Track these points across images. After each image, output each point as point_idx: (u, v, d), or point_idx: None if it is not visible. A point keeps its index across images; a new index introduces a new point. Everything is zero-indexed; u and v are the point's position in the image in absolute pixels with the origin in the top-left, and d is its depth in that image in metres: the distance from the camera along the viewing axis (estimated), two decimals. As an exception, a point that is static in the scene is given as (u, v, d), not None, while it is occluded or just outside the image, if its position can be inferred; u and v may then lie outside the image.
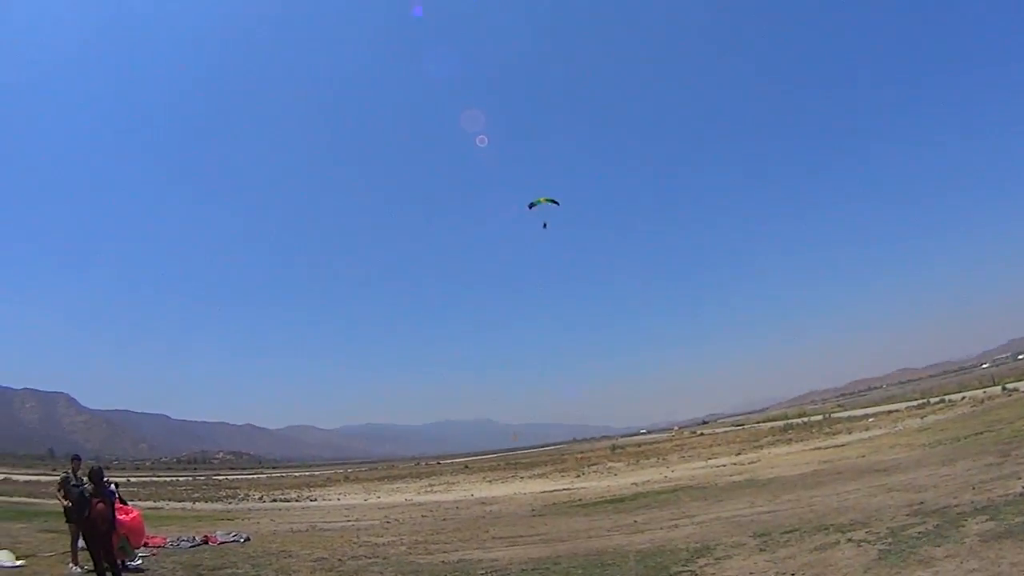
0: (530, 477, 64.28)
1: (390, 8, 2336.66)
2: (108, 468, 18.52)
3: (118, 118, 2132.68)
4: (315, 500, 56.42)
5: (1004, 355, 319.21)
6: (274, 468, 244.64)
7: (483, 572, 16.23)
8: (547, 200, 45.15)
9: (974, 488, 18.46)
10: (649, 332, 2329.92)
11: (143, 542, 20.07)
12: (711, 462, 53.14)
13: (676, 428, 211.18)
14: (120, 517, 15.37)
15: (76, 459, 17.42)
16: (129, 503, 18.66)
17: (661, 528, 21.04)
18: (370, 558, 19.94)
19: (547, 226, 47.08)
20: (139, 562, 17.49)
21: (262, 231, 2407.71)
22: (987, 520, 14.08)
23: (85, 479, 15.69)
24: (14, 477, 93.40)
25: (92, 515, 14.71)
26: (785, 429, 78.93)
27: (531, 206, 45.26)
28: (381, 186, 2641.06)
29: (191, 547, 23.18)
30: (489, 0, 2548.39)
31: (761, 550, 15.07)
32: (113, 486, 17.06)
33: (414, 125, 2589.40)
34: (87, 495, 15.06)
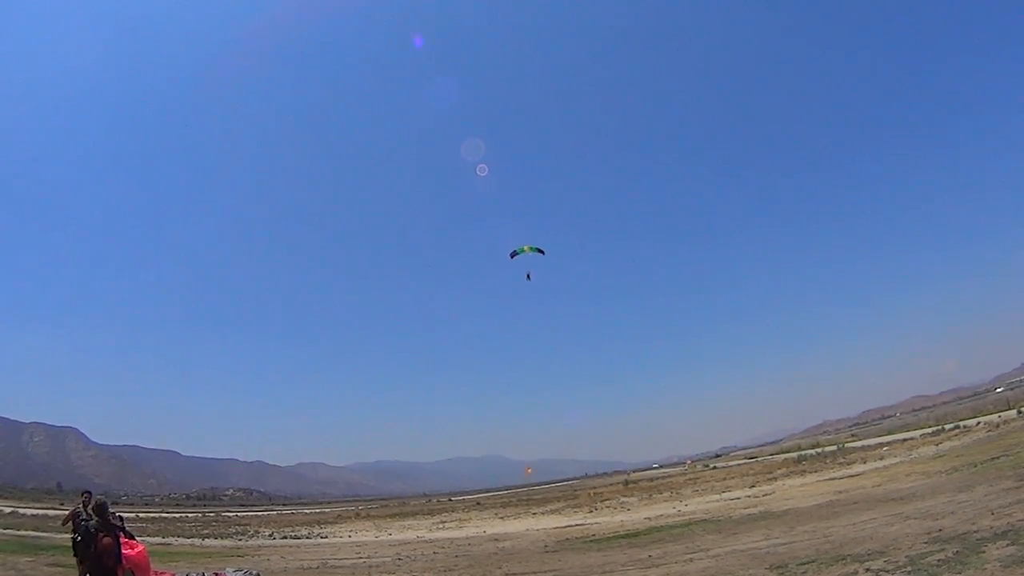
0: (543, 513, 63.81)
1: (391, 39, 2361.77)
2: (117, 504, 18.32)
3: (130, 152, 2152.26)
4: (326, 537, 55.99)
5: (1019, 378, 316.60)
6: (284, 505, 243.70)
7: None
8: (531, 249, 43.62)
9: (993, 513, 18.29)
10: (660, 366, 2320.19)
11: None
12: (725, 495, 52.70)
13: (689, 462, 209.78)
14: (125, 551, 15.26)
15: (87, 494, 17.37)
16: (136, 538, 18.54)
17: (676, 562, 20.84)
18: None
19: (531, 277, 45.75)
20: None
21: (270, 267, 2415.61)
22: (1007, 545, 13.94)
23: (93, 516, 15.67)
24: (21, 510, 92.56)
25: (98, 549, 14.65)
26: (799, 460, 78.35)
27: (513, 255, 43.73)
28: (385, 218, 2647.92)
29: (201, 584, 23.03)
30: (490, 31, 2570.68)
31: (778, 582, 14.91)
32: (119, 519, 16.99)
33: (415, 155, 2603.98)
34: (93, 530, 15.01)
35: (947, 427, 77.00)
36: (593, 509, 59.76)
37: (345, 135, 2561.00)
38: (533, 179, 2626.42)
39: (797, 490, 45.17)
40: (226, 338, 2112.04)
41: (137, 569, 15.61)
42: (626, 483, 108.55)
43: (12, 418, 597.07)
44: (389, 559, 33.03)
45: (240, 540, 53.66)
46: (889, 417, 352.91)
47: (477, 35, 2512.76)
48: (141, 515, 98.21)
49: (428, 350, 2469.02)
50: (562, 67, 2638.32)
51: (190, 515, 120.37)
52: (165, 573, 23.76)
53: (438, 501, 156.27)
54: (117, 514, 17.41)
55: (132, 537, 17.66)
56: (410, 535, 52.61)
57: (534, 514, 63.55)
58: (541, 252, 44.04)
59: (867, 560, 15.33)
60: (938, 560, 13.87)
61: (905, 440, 74.12)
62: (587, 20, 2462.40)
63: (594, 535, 36.51)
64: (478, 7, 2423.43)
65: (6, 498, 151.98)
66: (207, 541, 52.75)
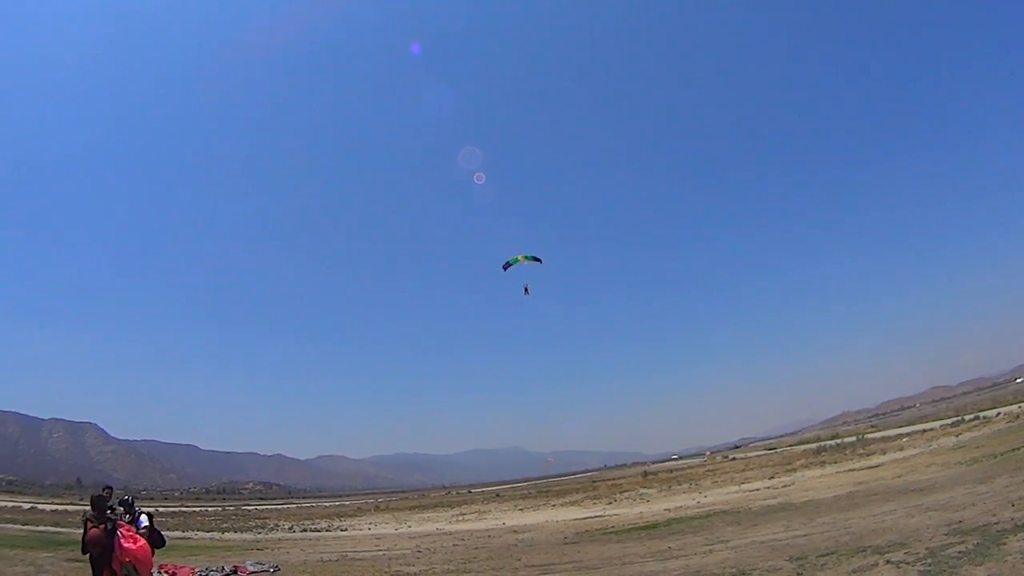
0: (562, 505, 63.86)
1: (389, 46, 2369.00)
2: (137, 498, 18.16)
3: (143, 159, 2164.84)
4: (346, 530, 56.23)
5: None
6: (304, 498, 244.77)
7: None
8: (527, 258, 39.73)
9: (1014, 505, 18.15)
10: (679, 357, 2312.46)
11: (174, 573, 20.03)
12: (744, 486, 52.58)
13: (708, 453, 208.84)
14: (127, 545, 15.07)
15: (108, 489, 17.48)
16: (162, 532, 18.38)
17: (695, 554, 20.82)
18: (402, 587, 19.92)
19: (529, 291, 42.13)
20: None
21: (288, 268, 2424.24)
22: (1029, 538, 13.84)
23: (119, 508, 15.77)
24: (40, 506, 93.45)
25: (86, 539, 14.80)
26: (818, 451, 78.00)
27: (506, 266, 39.96)
28: (393, 221, 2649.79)
29: (220, 577, 23.20)
30: (487, 38, 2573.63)
31: (798, 574, 14.88)
32: (145, 518, 16.98)
33: (416, 159, 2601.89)
34: (84, 520, 15.15)
35: (967, 418, 76.36)
36: (612, 501, 59.74)
37: (345, 138, 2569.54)
38: (532, 182, 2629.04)
39: (817, 481, 44.99)
40: (245, 333, 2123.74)
41: (139, 564, 15.40)
42: (645, 474, 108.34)
43: (31, 414, 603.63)
44: (409, 551, 33.15)
45: (260, 534, 53.95)
46: (909, 408, 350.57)
47: (474, 42, 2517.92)
48: (161, 509, 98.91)
49: (447, 344, 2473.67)
50: (558, 72, 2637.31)
51: (209, 509, 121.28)
52: (185, 567, 23.99)
53: (458, 493, 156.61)
54: (145, 511, 17.44)
55: (158, 531, 17.57)
56: (430, 527, 52.79)
57: (553, 506, 63.62)
58: (538, 261, 40.37)
59: (887, 552, 15.26)
60: (958, 552, 13.78)
61: (925, 431, 73.57)
62: (583, 25, 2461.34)
63: (613, 527, 36.55)
64: (474, 15, 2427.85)
65: (26, 494, 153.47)
66: (227, 535, 53.09)
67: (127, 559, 14.94)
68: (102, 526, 14.84)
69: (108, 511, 15.43)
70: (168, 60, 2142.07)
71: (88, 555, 15.04)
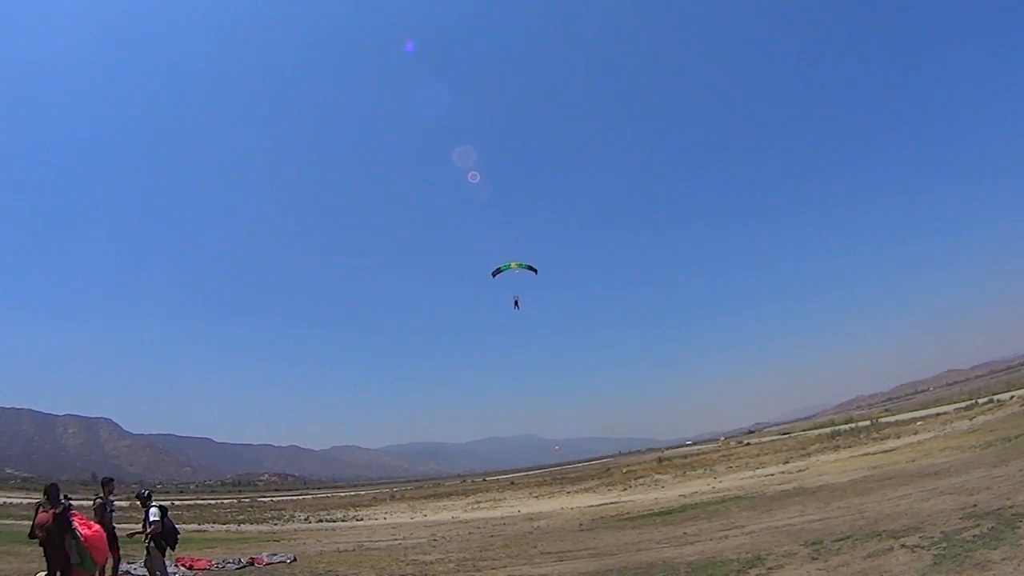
0: (577, 492, 63.95)
1: (383, 44, 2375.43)
2: (153, 492, 18.11)
3: (152, 160, 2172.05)
4: (361, 519, 56.51)
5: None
6: (319, 489, 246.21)
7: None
8: (520, 266, 35.93)
9: (1028, 489, 18.10)
10: (692, 343, 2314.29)
11: (191, 565, 20.06)
12: (759, 471, 52.41)
13: (722, 438, 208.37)
14: (82, 531, 14.86)
15: (109, 482, 17.57)
16: (176, 525, 18.33)
17: (711, 539, 20.82)
18: (418, 576, 20.01)
19: (519, 305, 38.00)
20: None
21: (298, 257, 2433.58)
22: (1044, 521, 13.81)
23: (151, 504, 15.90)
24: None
25: (34, 523, 14.85)
26: (832, 436, 77.78)
27: (496, 273, 36.28)
28: (398, 216, 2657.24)
29: (236, 569, 23.30)
30: (480, 35, 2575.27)
31: (813, 559, 14.88)
32: (155, 511, 17.02)
33: (412, 155, 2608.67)
34: (37, 506, 15.22)
35: (981, 401, 76.11)
36: (627, 487, 59.75)
37: (340, 136, 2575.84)
38: (538, 170, 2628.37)
39: (831, 466, 44.80)
40: (258, 326, 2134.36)
41: (93, 550, 15.22)
42: (660, 460, 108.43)
43: (45, 411, 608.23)
44: (424, 540, 33.25)
45: (276, 525, 54.33)
46: (922, 391, 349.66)
47: (467, 40, 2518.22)
48: (176, 503, 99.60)
49: (461, 333, 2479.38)
50: (553, 69, 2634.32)
51: (225, 501, 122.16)
52: (201, 559, 24.16)
53: (472, 481, 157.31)
54: (146, 495, 17.46)
55: (170, 524, 17.54)
56: (445, 516, 53.00)
57: (568, 493, 63.75)
58: (533, 270, 36.36)
59: (902, 536, 15.25)
60: (973, 536, 13.77)
61: (939, 415, 73.32)
62: (578, 21, 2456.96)
63: (628, 513, 36.54)
64: (468, 12, 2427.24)
65: (40, 491, 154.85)
66: (243, 527, 53.46)
67: (86, 546, 14.91)
68: (51, 510, 14.89)
69: (61, 498, 15.47)
70: (166, 58, 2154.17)
71: (37, 539, 15.10)
